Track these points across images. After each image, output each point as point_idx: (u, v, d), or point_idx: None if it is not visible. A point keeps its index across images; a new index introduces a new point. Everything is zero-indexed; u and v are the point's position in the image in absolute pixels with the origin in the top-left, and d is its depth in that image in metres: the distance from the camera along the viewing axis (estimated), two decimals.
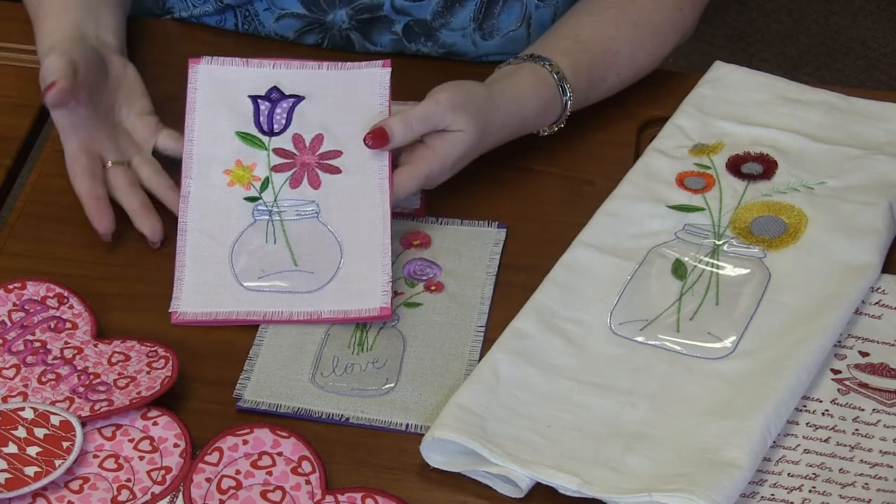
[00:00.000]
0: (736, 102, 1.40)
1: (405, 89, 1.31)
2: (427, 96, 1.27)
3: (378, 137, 1.24)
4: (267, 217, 1.26)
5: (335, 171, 1.27)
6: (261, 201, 1.27)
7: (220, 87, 1.30)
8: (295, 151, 1.28)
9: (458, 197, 1.33)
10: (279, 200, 1.27)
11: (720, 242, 1.26)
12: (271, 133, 1.29)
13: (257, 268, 1.24)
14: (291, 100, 1.29)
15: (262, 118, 1.29)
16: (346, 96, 1.29)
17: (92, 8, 1.35)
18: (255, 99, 1.29)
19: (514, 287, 1.25)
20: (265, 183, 1.27)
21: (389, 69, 1.30)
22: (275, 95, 1.29)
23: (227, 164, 1.28)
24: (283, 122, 1.29)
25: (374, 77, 1.30)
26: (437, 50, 1.47)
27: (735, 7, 3.02)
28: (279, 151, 1.28)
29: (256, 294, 1.23)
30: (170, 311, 1.23)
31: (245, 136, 1.29)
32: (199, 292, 1.23)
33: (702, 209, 1.29)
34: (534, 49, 1.36)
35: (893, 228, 1.28)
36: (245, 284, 1.23)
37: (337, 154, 1.28)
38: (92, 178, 1.28)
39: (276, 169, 1.28)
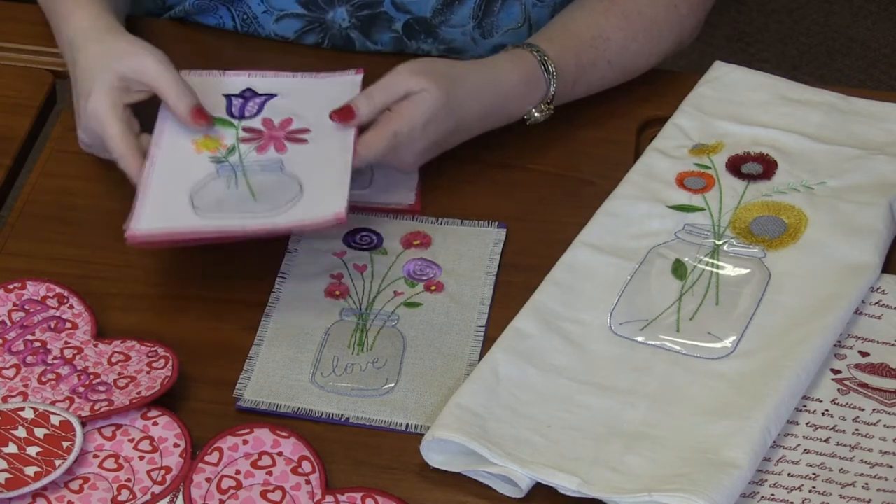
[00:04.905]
0: (736, 102, 1.40)
1: None
2: None
3: (343, 112, 1.27)
4: (231, 172, 1.26)
5: (302, 142, 1.29)
6: (226, 163, 1.27)
7: (196, 90, 1.31)
8: (263, 129, 1.30)
9: (458, 197, 1.33)
10: (245, 161, 1.27)
11: (720, 242, 1.26)
12: (242, 118, 1.31)
13: (215, 202, 1.23)
14: (264, 97, 1.32)
15: (234, 109, 1.31)
16: (318, 95, 1.32)
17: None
18: (228, 97, 1.32)
19: (514, 287, 1.25)
20: (232, 149, 1.28)
21: (362, 75, 1.33)
22: (248, 94, 1.32)
23: (195, 137, 1.29)
24: (255, 111, 1.31)
25: (346, 82, 1.33)
26: (438, 47, 1.47)
27: (735, 7, 3.02)
28: (248, 129, 1.30)
29: (213, 219, 1.22)
30: (125, 234, 1.19)
31: (217, 119, 1.30)
32: (154, 214, 1.21)
33: (702, 209, 1.29)
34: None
35: (893, 228, 1.28)
36: (203, 215, 1.22)
37: (305, 131, 1.30)
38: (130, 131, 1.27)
39: (243, 140, 1.29)
